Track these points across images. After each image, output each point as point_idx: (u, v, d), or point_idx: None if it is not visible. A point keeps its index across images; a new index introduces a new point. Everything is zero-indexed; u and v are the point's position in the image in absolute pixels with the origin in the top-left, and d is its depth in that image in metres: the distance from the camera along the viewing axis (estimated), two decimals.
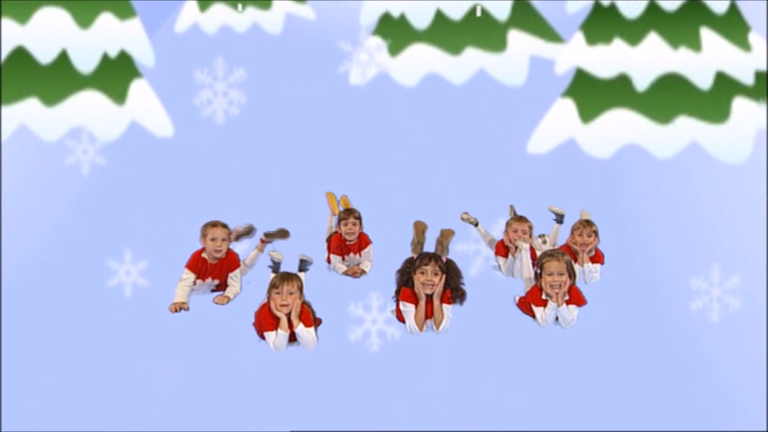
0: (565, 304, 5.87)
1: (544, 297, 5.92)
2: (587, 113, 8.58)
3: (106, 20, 8.57)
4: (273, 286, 5.49)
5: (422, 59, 9.99)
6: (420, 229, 6.56)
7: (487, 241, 7.36)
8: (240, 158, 8.93)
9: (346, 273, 7.07)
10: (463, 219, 7.42)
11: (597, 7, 8.62)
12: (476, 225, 7.42)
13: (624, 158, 8.36)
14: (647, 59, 8.35)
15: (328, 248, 7.26)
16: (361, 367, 4.98)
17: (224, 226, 6.49)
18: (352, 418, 4.65)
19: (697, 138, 8.32)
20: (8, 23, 8.29)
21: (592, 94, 8.57)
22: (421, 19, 9.94)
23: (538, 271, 5.98)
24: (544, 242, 6.97)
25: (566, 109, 8.70)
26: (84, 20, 8.46)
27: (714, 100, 8.33)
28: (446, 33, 9.96)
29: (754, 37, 8.48)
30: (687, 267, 6.46)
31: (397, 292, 5.95)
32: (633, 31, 8.42)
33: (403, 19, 10.00)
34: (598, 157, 8.44)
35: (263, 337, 5.51)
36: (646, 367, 5.23)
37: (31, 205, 7.87)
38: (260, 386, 5.00)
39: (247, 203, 7.89)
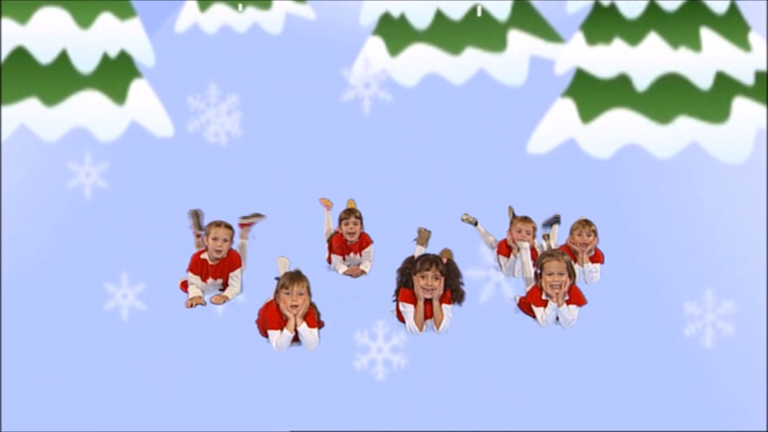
0: (565, 304, 5.87)
1: (544, 297, 5.92)
2: (587, 113, 8.58)
3: (106, 20, 8.57)
4: (283, 286, 5.48)
5: (422, 59, 9.98)
6: (423, 237, 6.65)
7: (487, 242, 7.37)
8: (240, 158, 8.92)
9: (346, 273, 7.08)
10: (462, 220, 7.44)
11: (597, 7, 8.61)
12: (476, 224, 7.44)
13: (624, 158, 8.36)
14: (647, 59, 8.35)
15: (329, 248, 7.27)
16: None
17: (228, 226, 6.48)
18: (352, 418, 4.65)
19: (697, 138, 8.32)
20: (8, 23, 8.29)
21: (592, 94, 8.57)
22: (421, 19, 9.94)
23: (538, 271, 5.98)
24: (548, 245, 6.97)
25: (566, 109, 8.70)
26: (84, 20, 8.46)
27: (714, 100, 8.32)
28: (446, 33, 9.96)
29: (754, 37, 8.48)
30: (687, 267, 6.47)
31: (397, 292, 5.95)
32: (633, 31, 8.42)
33: (403, 19, 10.00)
34: (598, 157, 8.43)
35: (266, 335, 5.50)
36: (647, 366, 5.23)
37: (31, 205, 7.87)
38: (260, 387, 5.00)
39: (247, 203, 7.88)
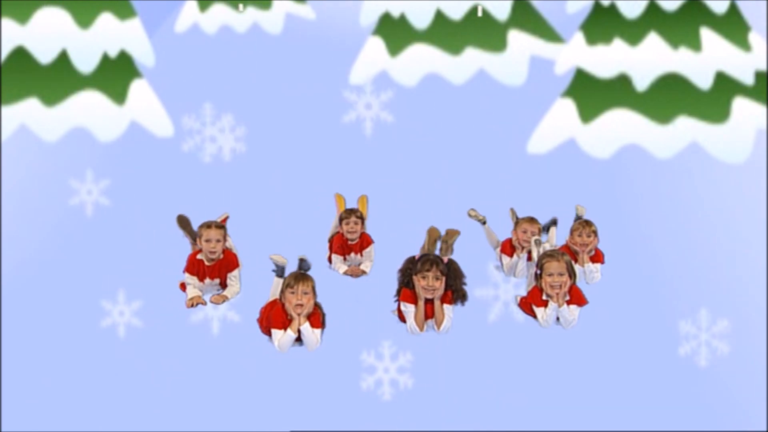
0: (565, 305, 5.87)
1: (544, 297, 5.92)
2: (587, 113, 8.57)
3: (106, 20, 8.55)
4: (288, 285, 5.48)
5: (422, 59, 9.98)
6: (432, 237, 6.52)
7: (491, 242, 7.33)
8: (240, 159, 8.91)
9: (346, 273, 7.07)
10: (470, 216, 7.30)
11: (597, 7, 8.60)
12: (484, 223, 7.33)
13: (624, 158, 8.35)
14: (647, 59, 8.34)
15: (330, 248, 7.27)
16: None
17: (219, 226, 6.46)
18: (352, 418, 4.65)
19: (697, 138, 8.32)
20: (8, 23, 8.28)
21: (592, 94, 8.56)
22: (421, 19, 9.93)
23: (538, 271, 5.99)
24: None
25: (566, 109, 8.69)
26: (84, 20, 8.45)
27: (714, 100, 8.32)
28: (446, 33, 9.95)
29: (754, 37, 8.47)
30: (687, 267, 6.47)
31: (398, 292, 5.96)
32: (633, 31, 8.41)
33: (403, 19, 9.99)
34: (598, 157, 8.42)
35: (268, 333, 5.50)
36: (647, 366, 5.23)
37: (31, 206, 7.86)
38: (261, 388, 5.00)
39: (247, 204, 7.89)
